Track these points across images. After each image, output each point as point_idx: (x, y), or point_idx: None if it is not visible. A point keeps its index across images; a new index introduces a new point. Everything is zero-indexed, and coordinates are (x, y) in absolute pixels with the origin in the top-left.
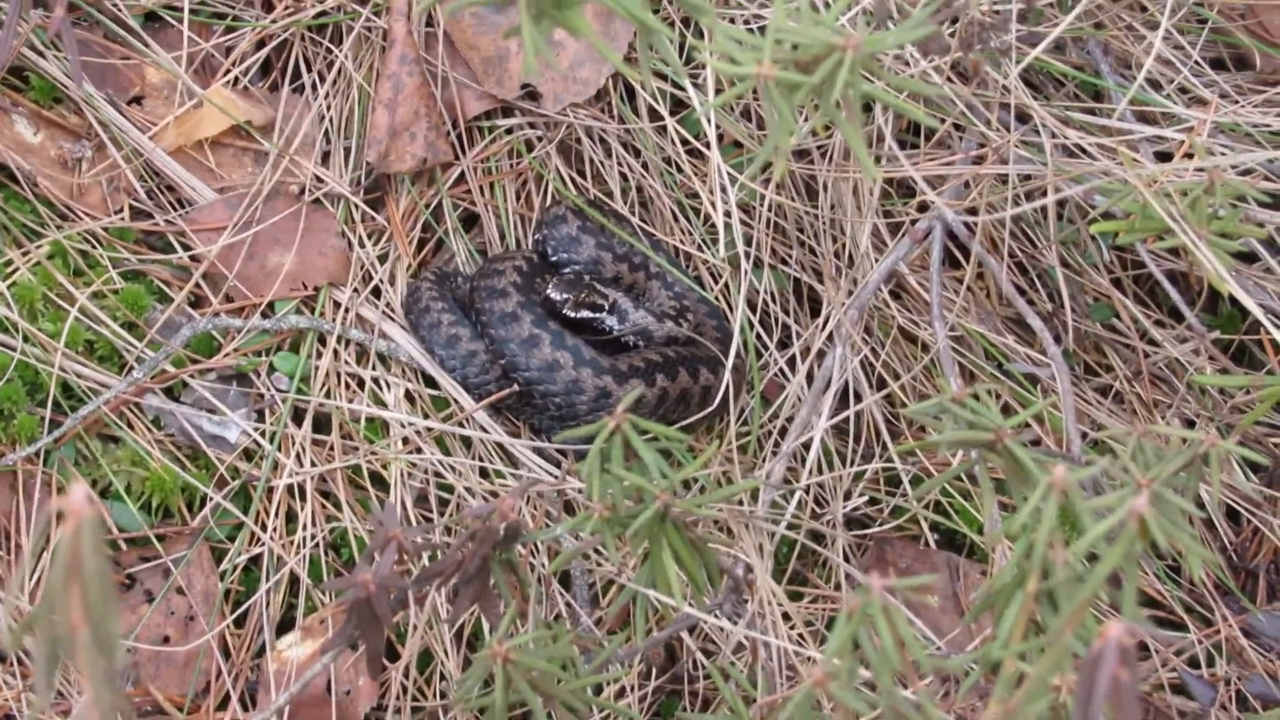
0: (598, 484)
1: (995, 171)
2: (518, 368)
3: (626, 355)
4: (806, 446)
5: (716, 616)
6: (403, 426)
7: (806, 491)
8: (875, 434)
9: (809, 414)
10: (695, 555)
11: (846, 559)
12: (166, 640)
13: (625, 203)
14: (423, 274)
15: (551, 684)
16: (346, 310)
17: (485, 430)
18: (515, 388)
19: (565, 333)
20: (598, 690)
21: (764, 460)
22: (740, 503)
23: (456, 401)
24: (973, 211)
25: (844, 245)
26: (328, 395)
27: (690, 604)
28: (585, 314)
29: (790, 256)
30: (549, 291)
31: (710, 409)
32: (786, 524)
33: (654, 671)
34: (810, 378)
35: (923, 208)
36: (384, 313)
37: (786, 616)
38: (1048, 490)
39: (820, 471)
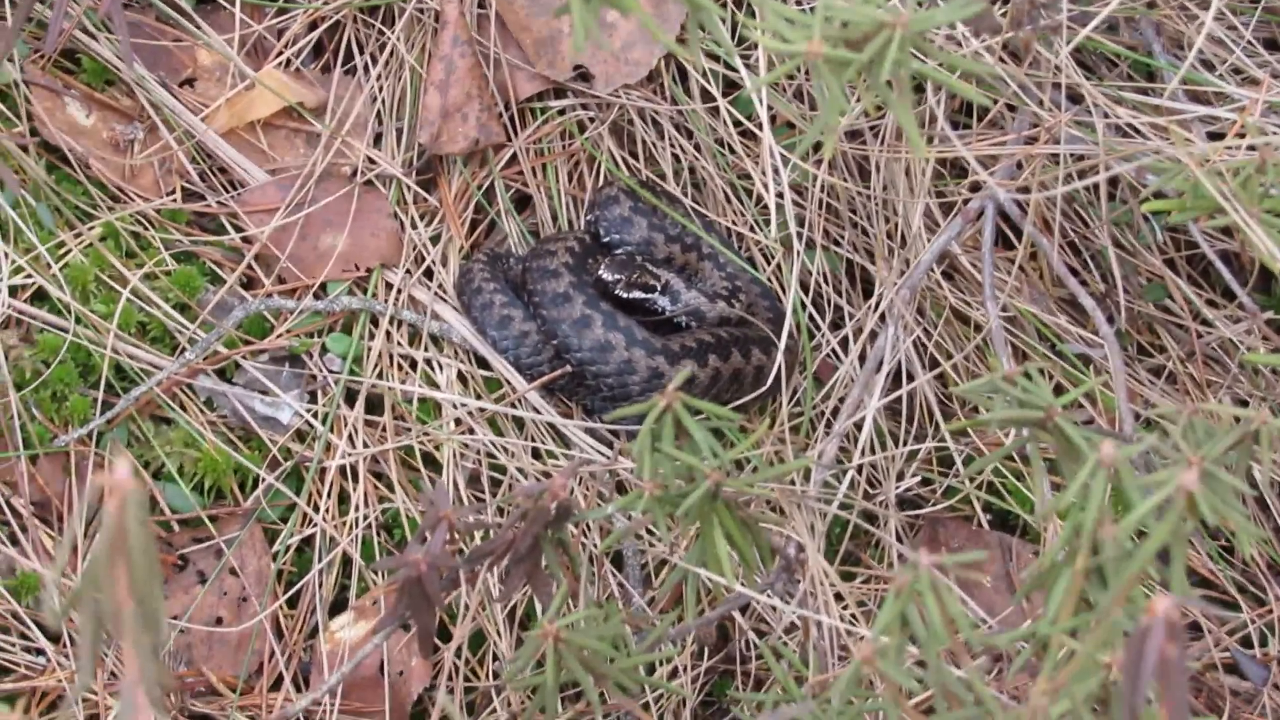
0: (648, 463)
1: (1047, 151)
2: (570, 348)
3: (679, 336)
4: (859, 426)
5: (769, 596)
6: (455, 407)
7: (859, 471)
8: (928, 415)
9: (861, 393)
10: (746, 534)
11: (899, 539)
12: (219, 621)
13: (678, 184)
14: (475, 255)
15: (603, 663)
16: (399, 291)
17: (537, 411)
18: (567, 368)
19: (617, 313)
20: (650, 669)
21: (816, 440)
22: (792, 483)
23: (509, 382)
24: (1025, 191)
25: (896, 226)
26: (380, 376)
27: (741, 583)
28: (637, 294)
29: (842, 237)
30: (601, 272)
31: (763, 389)
32: (839, 504)
33: (706, 651)
34: (863, 358)
35: (975, 188)
36: (436, 294)
37: (839, 596)
38: (1096, 467)
39: (872, 451)
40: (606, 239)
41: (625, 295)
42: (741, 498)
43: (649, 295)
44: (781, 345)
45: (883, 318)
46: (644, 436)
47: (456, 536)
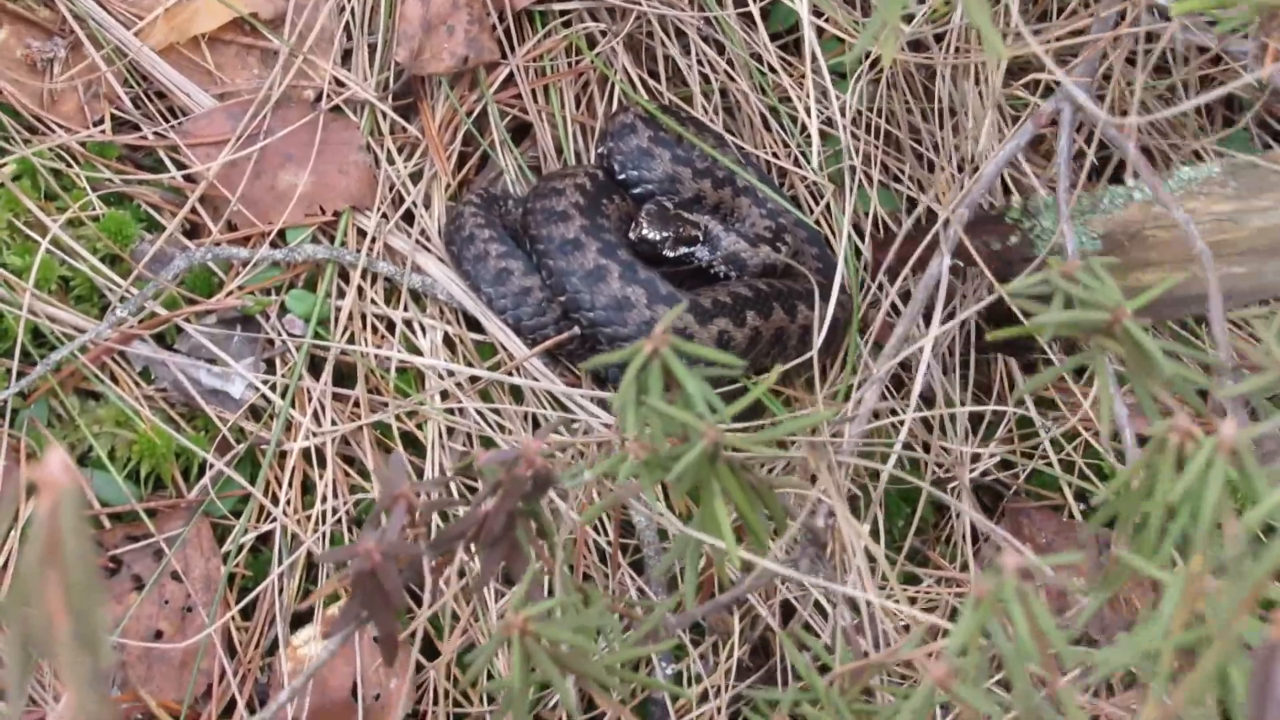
0: (633, 419)
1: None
2: (581, 306)
3: (711, 289)
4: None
5: (797, 571)
6: (441, 377)
7: (927, 450)
8: (1007, 381)
9: (908, 327)
10: (755, 502)
11: (974, 534)
12: (160, 635)
13: (709, 108)
14: (465, 196)
15: (581, 660)
16: (372, 239)
17: (537, 380)
18: (575, 330)
19: (637, 264)
20: (639, 666)
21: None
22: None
23: (504, 348)
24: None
25: (968, 156)
26: (350, 341)
27: (745, 555)
28: (683, 250)
29: (903, 172)
30: (645, 232)
31: (809, 353)
32: (892, 478)
33: (735, 663)
34: (928, 317)
35: (1048, 95)
36: (418, 242)
37: (885, 578)
38: (1214, 451)
39: (929, 407)
40: (622, 176)
41: (673, 254)
42: (750, 459)
43: (692, 249)
44: (833, 300)
45: (932, 247)
46: (626, 387)
47: (414, 519)
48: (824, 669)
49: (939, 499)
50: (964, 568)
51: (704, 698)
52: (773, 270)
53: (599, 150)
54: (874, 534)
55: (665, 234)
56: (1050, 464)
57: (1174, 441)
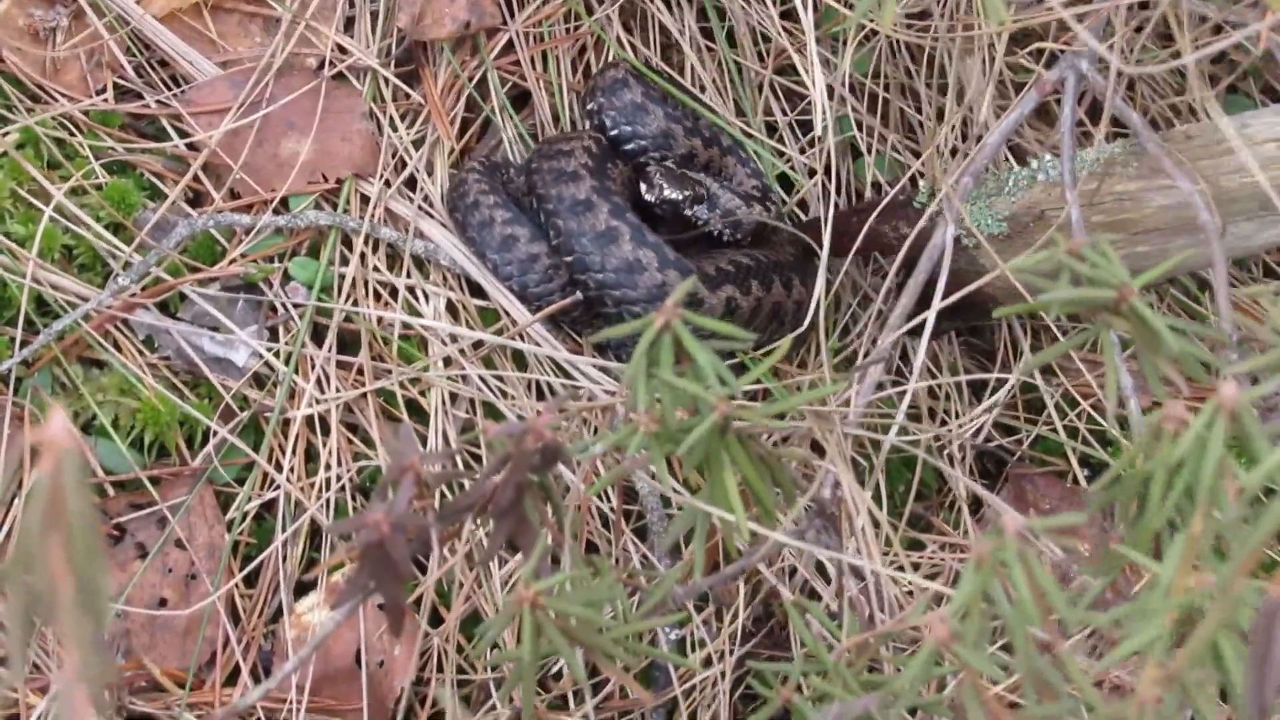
0: (644, 391)
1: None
2: (589, 268)
3: (709, 256)
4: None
5: (804, 541)
6: (444, 344)
7: (931, 417)
8: (1011, 348)
9: (910, 302)
10: (765, 474)
11: (977, 502)
12: (164, 603)
13: (706, 74)
14: (468, 163)
15: (590, 632)
16: (374, 205)
17: (540, 345)
18: (579, 296)
19: (645, 226)
20: (679, 654)
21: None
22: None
23: (508, 314)
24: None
25: (966, 120)
26: (354, 307)
27: (753, 528)
28: (699, 211)
29: (901, 144)
30: (667, 193)
31: (802, 329)
32: (893, 449)
33: (731, 616)
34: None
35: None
36: (420, 208)
37: (889, 544)
38: (1215, 411)
39: (932, 376)
40: (614, 132)
41: (689, 214)
42: (760, 433)
43: (697, 209)
44: (822, 271)
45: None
46: (638, 359)
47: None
48: (804, 611)
49: (937, 466)
50: (966, 533)
51: (708, 662)
52: (764, 237)
53: (589, 106)
54: (876, 499)
55: (686, 193)
56: (1054, 429)
57: (1170, 430)
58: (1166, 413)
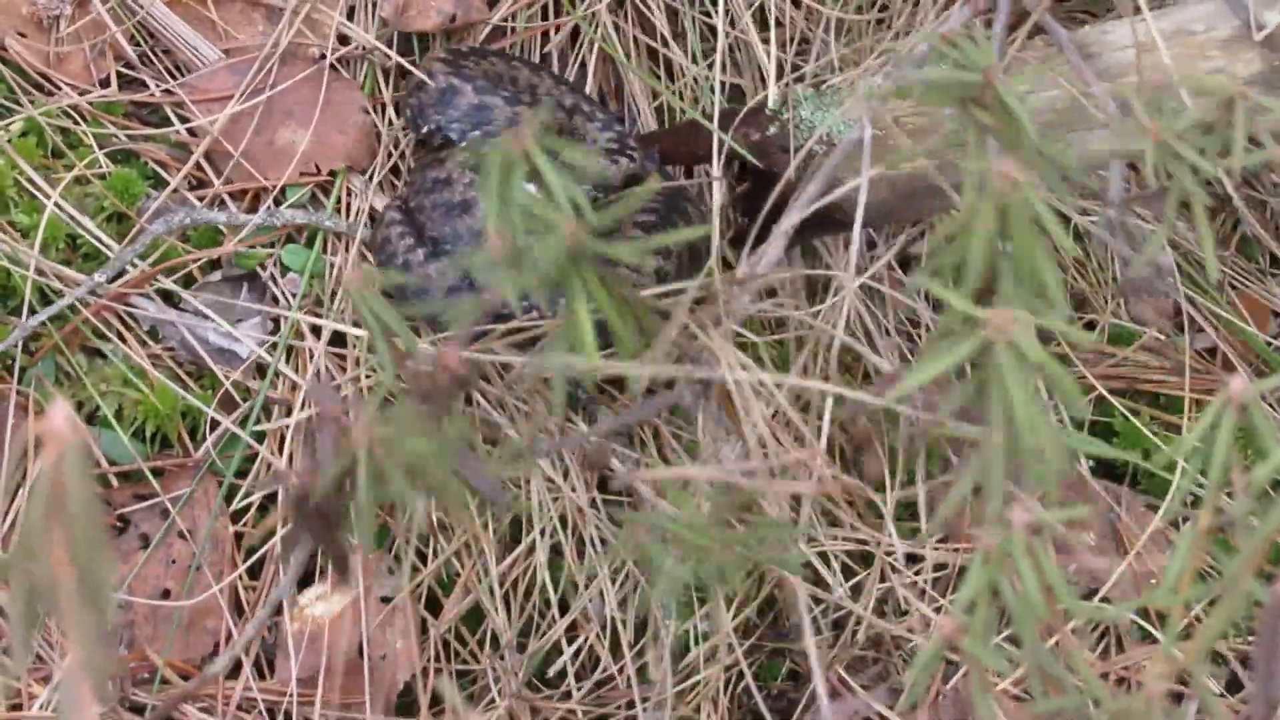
0: (494, 209)
1: None
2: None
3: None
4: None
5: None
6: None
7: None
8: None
9: (832, 168)
10: (625, 309)
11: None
12: (167, 595)
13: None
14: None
15: (428, 466)
16: (341, 203)
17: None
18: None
19: None
20: (683, 650)
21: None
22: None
23: None
24: None
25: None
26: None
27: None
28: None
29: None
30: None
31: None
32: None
33: (735, 609)
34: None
35: None
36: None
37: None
38: (1224, 405)
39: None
40: (425, 129)
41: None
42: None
43: None
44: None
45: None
46: (487, 176)
47: None
48: (837, 625)
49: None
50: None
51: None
52: (634, 179)
53: (404, 117)
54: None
55: None
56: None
57: (997, 187)
58: (998, 167)
